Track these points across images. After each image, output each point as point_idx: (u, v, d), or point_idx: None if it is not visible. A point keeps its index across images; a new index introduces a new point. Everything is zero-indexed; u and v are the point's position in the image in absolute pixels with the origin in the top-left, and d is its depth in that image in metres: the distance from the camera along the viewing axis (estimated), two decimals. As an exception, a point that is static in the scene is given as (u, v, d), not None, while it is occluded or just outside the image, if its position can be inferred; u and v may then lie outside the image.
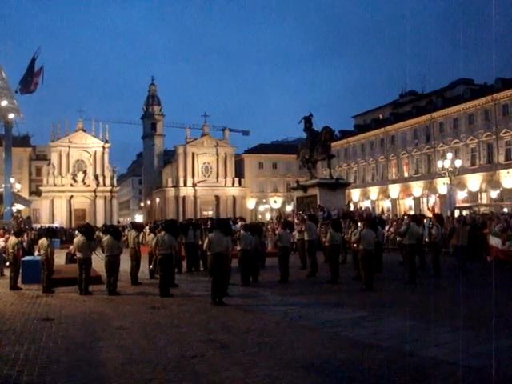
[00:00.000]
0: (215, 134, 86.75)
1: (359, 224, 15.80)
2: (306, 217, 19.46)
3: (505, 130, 49.67)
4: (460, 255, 16.21)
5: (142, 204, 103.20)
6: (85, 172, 76.42)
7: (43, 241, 14.13)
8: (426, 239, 17.05)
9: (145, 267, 16.63)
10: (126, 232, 20.16)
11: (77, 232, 18.57)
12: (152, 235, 16.10)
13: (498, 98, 50.19)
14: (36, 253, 15.60)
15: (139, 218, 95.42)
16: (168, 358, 6.82)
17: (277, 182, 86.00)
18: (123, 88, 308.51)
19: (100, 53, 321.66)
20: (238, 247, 14.44)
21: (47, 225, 46.52)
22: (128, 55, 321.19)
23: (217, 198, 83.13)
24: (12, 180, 35.81)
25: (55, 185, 74.40)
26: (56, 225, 55.33)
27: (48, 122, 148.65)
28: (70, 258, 19.34)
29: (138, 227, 17.77)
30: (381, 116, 74.93)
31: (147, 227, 19.84)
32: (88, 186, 76.11)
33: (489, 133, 51.48)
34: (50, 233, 14.91)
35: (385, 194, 66.26)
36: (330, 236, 15.36)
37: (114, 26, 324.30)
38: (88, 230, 14.29)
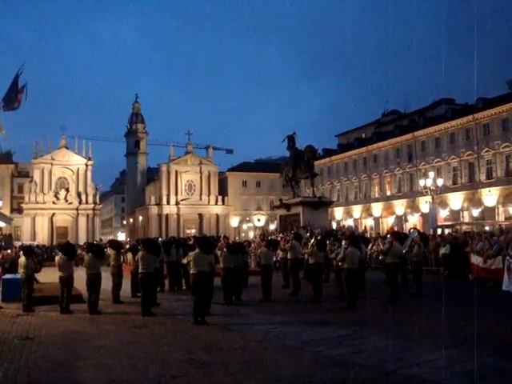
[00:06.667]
0: (199, 152, 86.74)
1: (343, 242, 15.81)
2: (292, 235, 19.43)
3: (486, 149, 50.26)
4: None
5: (125, 222, 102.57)
6: (67, 189, 75.82)
7: (22, 259, 13.98)
8: (404, 251, 16.92)
9: (126, 285, 16.48)
10: (108, 251, 19.90)
11: (57, 250, 18.26)
12: (131, 254, 15.88)
13: (479, 117, 50.79)
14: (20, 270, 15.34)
15: (122, 236, 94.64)
16: (149, 378, 6.74)
17: (260, 200, 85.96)
18: (107, 105, 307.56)
19: (83, 69, 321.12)
20: (221, 266, 14.37)
21: (28, 242, 45.96)
22: (112, 72, 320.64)
23: (200, 216, 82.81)
24: (-7, 197, 35.45)
25: (37, 202, 73.64)
26: (37, 243, 54.65)
27: (31, 139, 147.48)
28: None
29: (115, 246, 17.26)
30: (364, 135, 75.51)
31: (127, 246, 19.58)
32: (70, 203, 75.46)
33: (470, 152, 52.03)
34: (28, 251, 14.70)
35: (368, 212, 66.58)
36: (313, 254, 15.35)
37: (97, 42, 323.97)
38: (69, 249, 14.13)
